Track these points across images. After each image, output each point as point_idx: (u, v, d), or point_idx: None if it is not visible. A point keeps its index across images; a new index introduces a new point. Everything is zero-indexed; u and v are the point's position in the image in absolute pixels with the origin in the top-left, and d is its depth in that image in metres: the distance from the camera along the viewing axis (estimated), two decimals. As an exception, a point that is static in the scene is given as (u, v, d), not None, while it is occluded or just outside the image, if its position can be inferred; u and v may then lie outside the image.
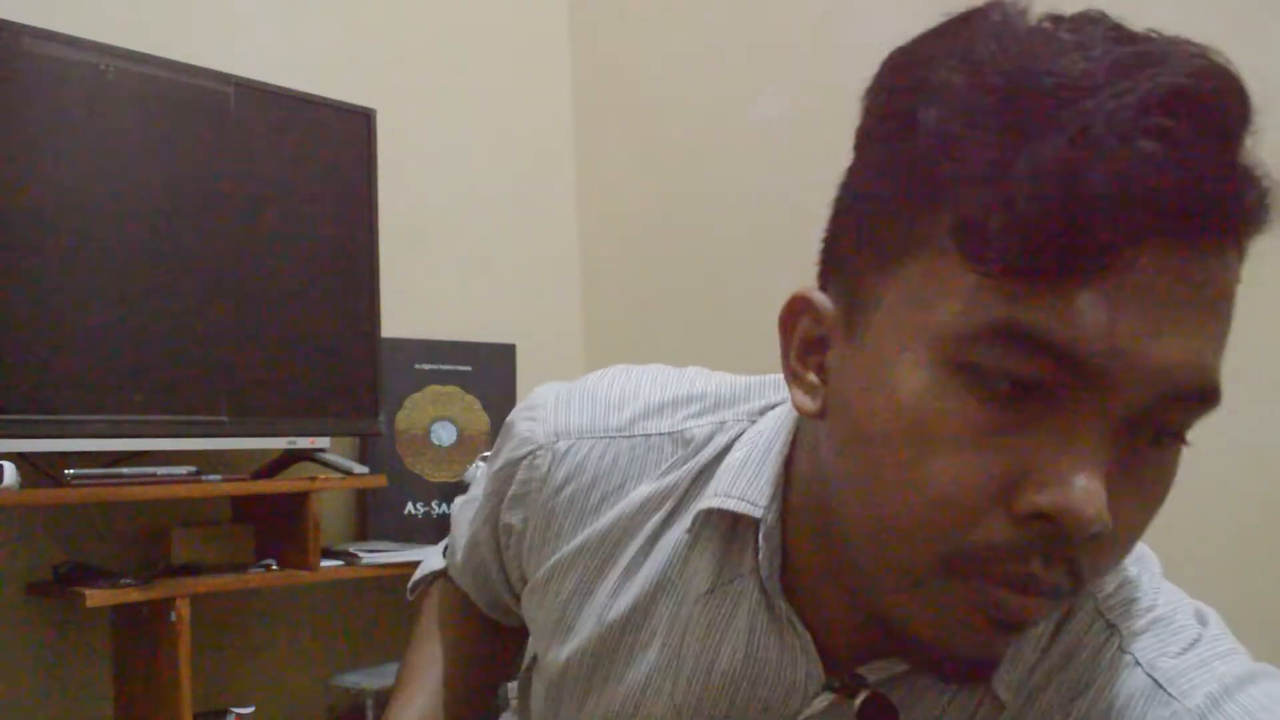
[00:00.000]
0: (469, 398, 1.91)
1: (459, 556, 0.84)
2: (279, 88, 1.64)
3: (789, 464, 0.60)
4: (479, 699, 0.86)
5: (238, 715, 1.51)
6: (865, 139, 0.52)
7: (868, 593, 0.53)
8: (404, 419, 1.85)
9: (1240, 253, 0.49)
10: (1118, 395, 0.44)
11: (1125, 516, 0.47)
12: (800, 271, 1.67)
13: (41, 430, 1.36)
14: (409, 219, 1.92)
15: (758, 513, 0.60)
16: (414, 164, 1.94)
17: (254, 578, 1.54)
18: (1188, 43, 0.47)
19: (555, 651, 0.70)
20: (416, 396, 1.87)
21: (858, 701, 0.58)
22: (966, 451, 0.46)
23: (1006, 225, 0.42)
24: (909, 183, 0.47)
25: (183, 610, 1.40)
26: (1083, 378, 0.44)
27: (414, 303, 1.92)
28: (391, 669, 1.70)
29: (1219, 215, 0.44)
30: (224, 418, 1.54)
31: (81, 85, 1.43)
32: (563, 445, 0.69)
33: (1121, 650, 0.58)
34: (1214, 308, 0.47)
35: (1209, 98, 0.44)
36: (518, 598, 0.76)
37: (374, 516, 1.84)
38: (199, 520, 1.64)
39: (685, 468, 0.65)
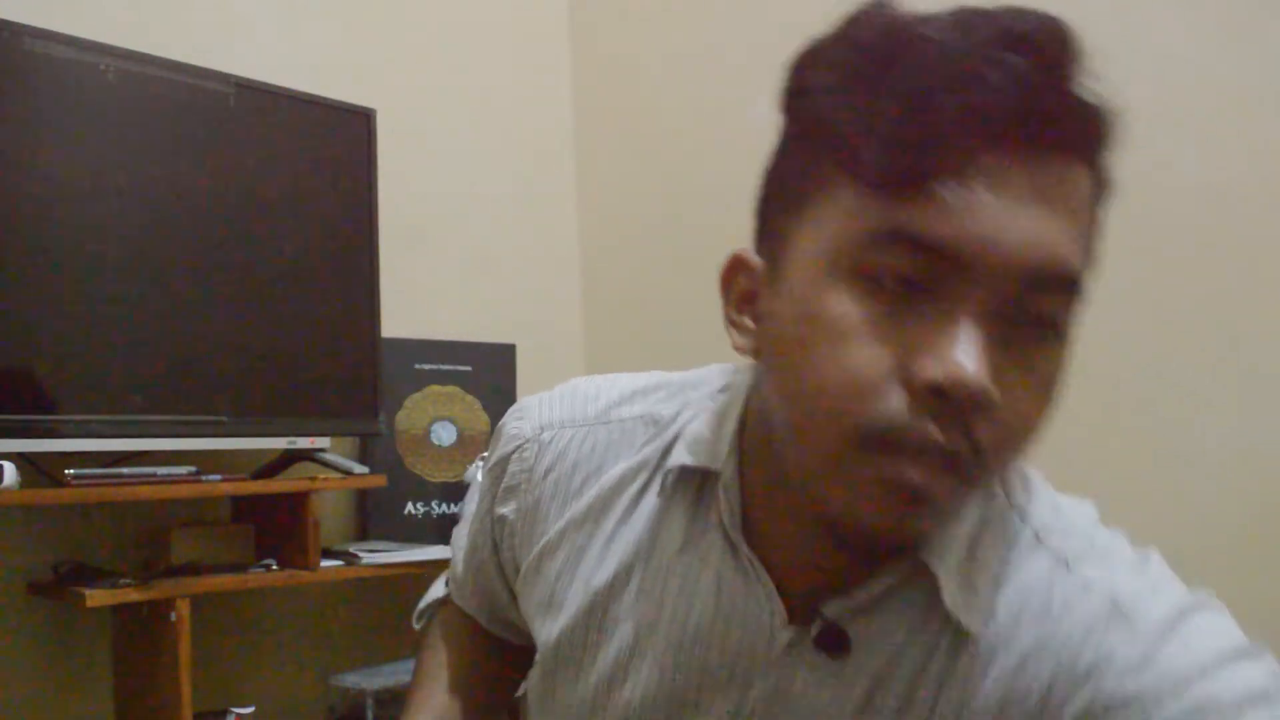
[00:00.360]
0: (469, 398, 1.91)
1: (459, 569, 0.87)
2: (279, 88, 1.64)
3: (744, 424, 0.68)
4: (487, 716, 0.88)
5: (238, 715, 1.51)
6: (779, 119, 0.62)
7: (805, 495, 0.60)
8: (404, 419, 1.85)
9: (1092, 170, 0.59)
10: (987, 283, 0.53)
11: (1015, 400, 0.55)
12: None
13: (41, 430, 1.36)
14: (409, 219, 1.92)
15: (717, 465, 0.67)
16: (414, 164, 1.94)
17: (254, 578, 1.54)
18: (1028, 7, 0.56)
19: (548, 630, 0.74)
20: (416, 396, 1.87)
21: (814, 631, 0.64)
22: (866, 341, 0.54)
23: (878, 144, 0.53)
24: (806, 136, 0.59)
25: (183, 610, 1.40)
26: (955, 269, 0.53)
27: (414, 303, 1.92)
28: (391, 669, 1.71)
29: (1053, 126, 0.54)
30: (224, 418, 1.54)
31: (81, 85, 1.43)
32: (547, 436, 0.76)
33: (1075, 577, 0.64)
34: (1065, 207, 0.55)
35: (1038, 37, 0.53)
36: (516, 598, 0.80)
37: (374, 516, 1.84)
38: (199, 520, 1.64)
39: (656, 443, 0.72)
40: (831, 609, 0.63)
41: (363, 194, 1.72)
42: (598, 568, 0.72)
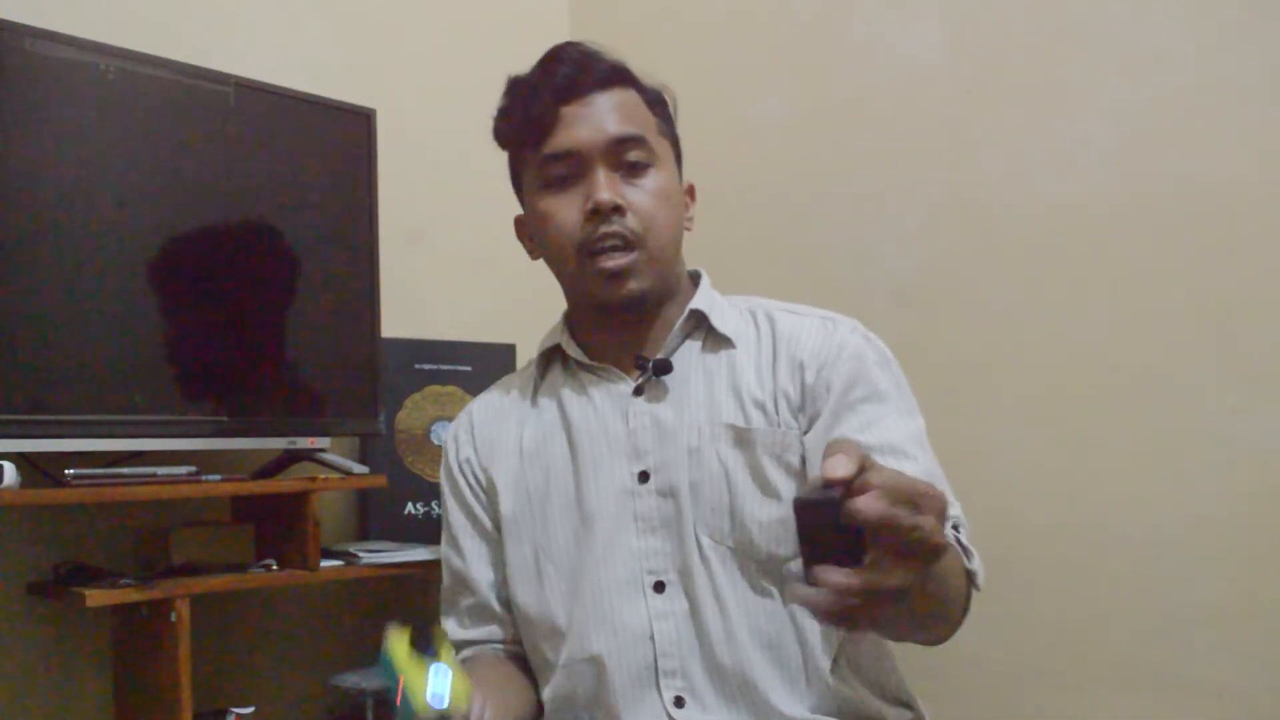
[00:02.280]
0: (469, 398, 1.90)
1: (446, 582, 1.27)
2: (279, 88, 1.64)
3: (569, 313, 1.25)
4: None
5: (238, 715, 1.51)
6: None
7: (588, 306, 1.19)
8: (404, 419, 1.85)
9: (631, 88, 1.18)
10: (596, 154, 1.12)
11: (640, 202, 1.13)
12: (800, 270, 1.69)
13: (41, 430, 1.36)
14: (409, 219, 1.91)
15: (556, 340, 1.23)
16: (414, 164, 1.94)
17: (254, 578, 1.54)
18: (572, 43, 1.19)
19: (506, 506, 1.20)
20: (416, 396, 1.87)
21: (649, 369, 1.14)
22: (560, 210, 1.14)
23: (523, 130, 1.17)
24: (508, 135, 1.21)
25: (183, 610, 1.40)
26: (577, 158, 1.13)
27: (414, 303, 1.92)
28: (391, 669, 1.71)
29: (585, 82, 1.14)
30: (224, 418, 1.54)
31: (81, 85, 1.43)
32: (470, 405, 1.32)
33: (789, 312, 1.21)
34: (615, 109, 1.14)
35: (569, 53, 1.15)
36: (496, 544, 1.22)
37: (374, 516, 1.84)
38: (199, 520, 1.64)
39: (527, 373, 1.28)
40: (655, 356, 1.16)
41: (363, 194, 1.72)
42: (526, 444, 1.20)
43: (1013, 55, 1.67)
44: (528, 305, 2.19)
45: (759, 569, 1.07)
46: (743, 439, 1.10)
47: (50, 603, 1.51)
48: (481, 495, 1.23)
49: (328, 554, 1.63)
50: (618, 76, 1.16)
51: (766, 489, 1.08)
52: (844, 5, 1.88)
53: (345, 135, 1.71)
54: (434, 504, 1.86)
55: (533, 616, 1.16)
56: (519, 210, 1.24)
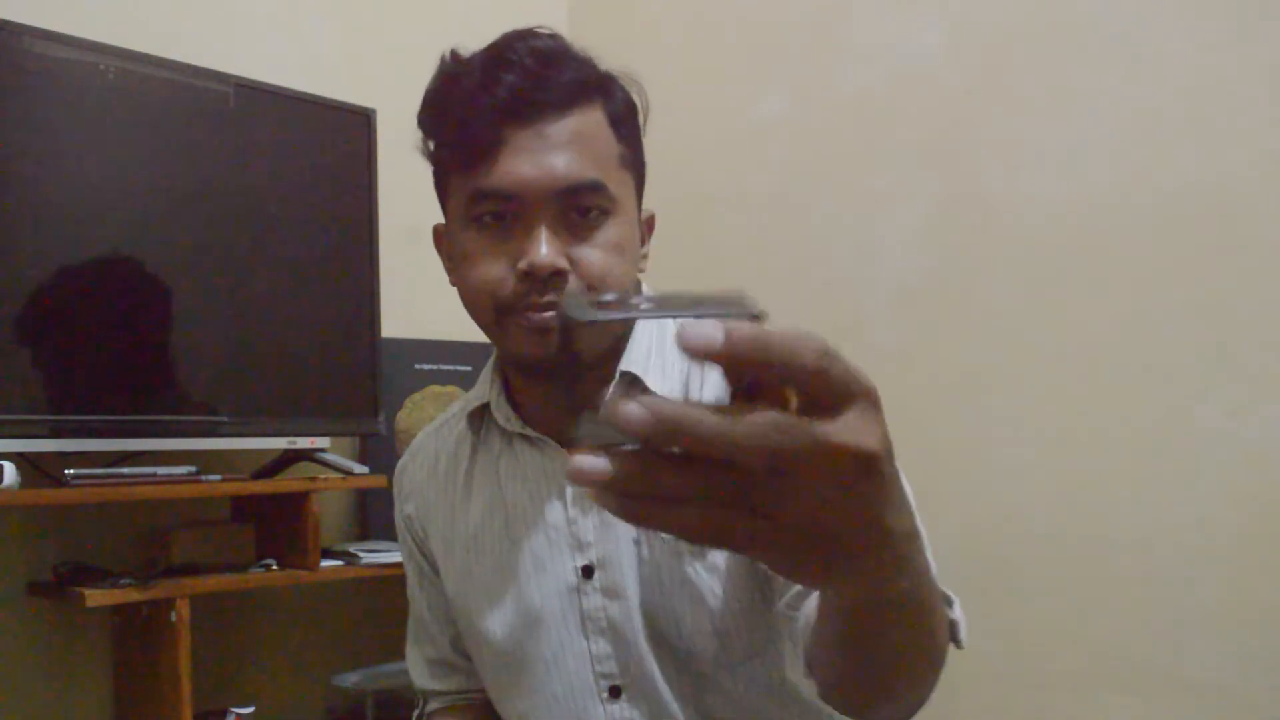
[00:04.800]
0: (469, 398, 1.91)
1: (411, 622, 1.14)
2: (279, 88, 1.64)
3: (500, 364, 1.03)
4: None
5: (238, 715, 1.51)
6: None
7: (507, 359, 0.99)
8: (404, 419, 1.85)
9: (599, 105, 0.92)
10: (539, 202, 0.87)
11: (587, 257, 0.88)
12: (800, 271, 1.68)
13: (41, 430, 1.36)
14: (409, 219, 1.91)
15: (484, 397, 1.01)
16: (414, 164, 1.94)
17: (254, 578, 1.54)
18: (522, 30, 0.95)
19: (449, 586, 1.04)
20: (416, 396, 1.87)
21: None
22: (487, 258, 0.90)
23: (452, 148, 0.94)
24: (431, 152, 1.01)
25: (183, 610, 1.40)
26: (518, 202, 0.87)
27: (414, 303, 1.91)
28: (391, 669, 1.71)
29: (535, 102, 0.88)
30: (224, 418, 1.54)
31: (81, 85, 1.43)
32: (412, 453, 1.12)
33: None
34: (570, 140, 0.88)
35: (518, 55, 0.90)
36: (446, 600, 1.06)
37: (374, 516, 1.84)
38: (199, 520, 1.64)
39: (463, 419, 1.05)
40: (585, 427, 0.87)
41: (363, 194, 1.72)
42: (462, 520, 1.02)
43: (1013, 55, 1.66)
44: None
45: (716, 670, 0.94)
46: (664, 541, 0.93)
47: (50, 603, 1.51)
48: (428, 556, 1.09)
49: (328, 554, 1.63)
50: (580, 91, 0.90)
51: (693, 597, 0.92)
52: (844, 5, 1.88)
53: (345, 135, 1.71)
54: (434, 504, 1.86)
55: (490, 686, 1.06)
56: (440, 234, 1.03)
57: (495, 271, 0.89)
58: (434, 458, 1.07)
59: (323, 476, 1.61)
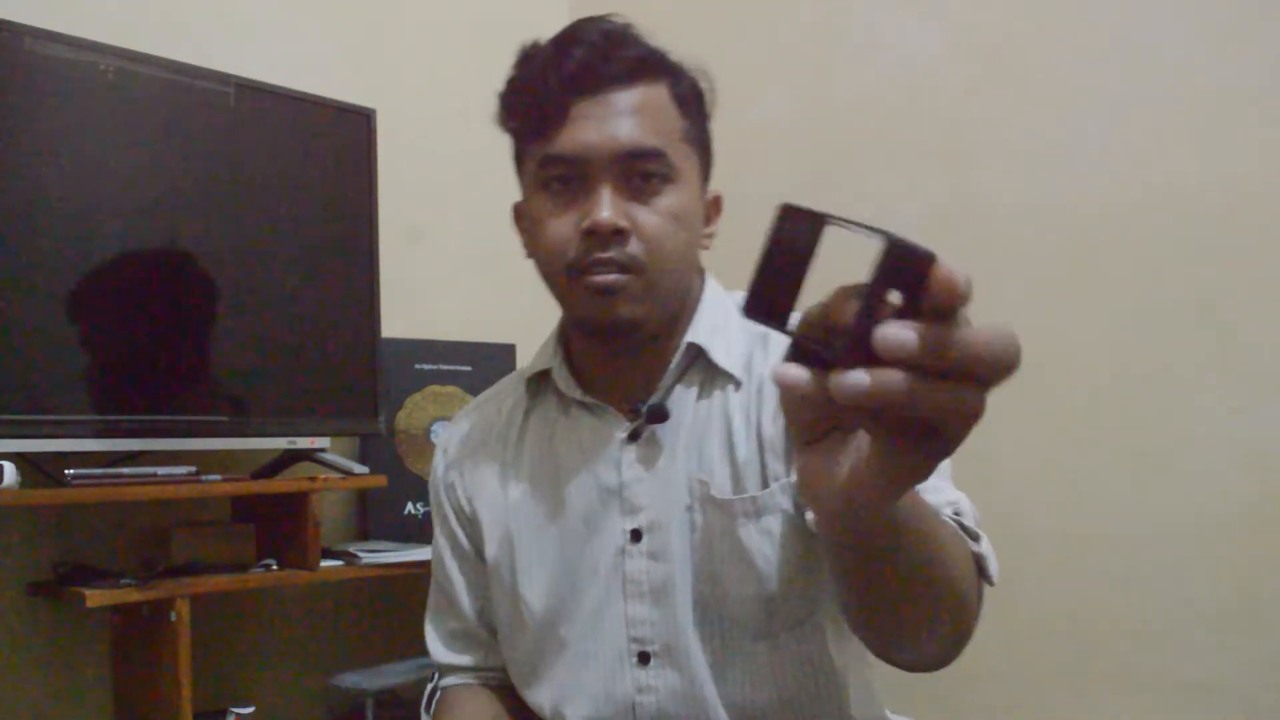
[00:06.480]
0: (469, 398, 1.90)
1: (433, 594, 1.15)
2: (279, 88, 1.64)
3: (564, 330, 1.08)
4: None
5: (238, 715, 1.51)
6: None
7: (573, 322, 1.03)
8: (404, 419, 1.85)
9: (663, 84, 0.99)
10: (602, 165, 0.94)
11: (644, 220, 0.94)
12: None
13: (41, 430, 1.36)
14: (409, 219, 1.91)
15: (548, 362, 1.06)
16: (414, 164, 1.94)
17: (254, 578, 1.54)
18: (594, 17, 1.00)
19: (490, 551, 1.07)
20: (416, 396, 1.87)
21: (644, 414, 0.99)
22: (554, 221, 0.96)
23: (523, 114, 0.99)
24: (509, 119, 1.02)
25: (183, 610, 1.40)
26: (583, 165, 0.94)
27: (414, 303, 1.92)
28: (392, 669, 1.71)
29: (602, 78, 0.95)
30: (224, 418, 1.54)
31: (81, 85, 1.43)
32: (455, 422, 1.17)
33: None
34: (634, 111, 0.95)
35: (586, 34, 0.97)
36: (480, 571, 1.09)
37: (374, 516, 1.84)
38: (199, 520, 1.64)
39: (520, 386, 1.11)
40: (650, 400, 1.00)
41: (363, 194, 1.72)
42: (512, 483, 1.06)
43: (1013, 55, 1.67)
44: (528, 305, 2.18)
45: (753, 642, 0.97)
46: (719, 507, 0.96)
47: (50, 603, 1.51)
48: (466, 524, 1.11)
49: (328, 554, 1.63)
50: (644, 68, 0.98)
51: (744, 561, 0.95)
52: (844, 5, 1.88)
53: (345, 135, 1.71)
54: (434, 504, 1.86)
55: (514, 662, 1.07)
56: (520, 210, 1.08)
57: (562, 233, 0.95)
58: (484, 425, 1.12)
59: (323, 476, 1.61)
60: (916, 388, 0.43)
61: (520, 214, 1.05)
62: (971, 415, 0.45)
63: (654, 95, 0.98)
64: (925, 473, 0.48)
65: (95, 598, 1.36)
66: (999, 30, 1.68)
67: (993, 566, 0.84)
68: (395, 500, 1.83)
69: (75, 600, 1.37)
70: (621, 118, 0.95)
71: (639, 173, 0.94)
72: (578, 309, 0.98)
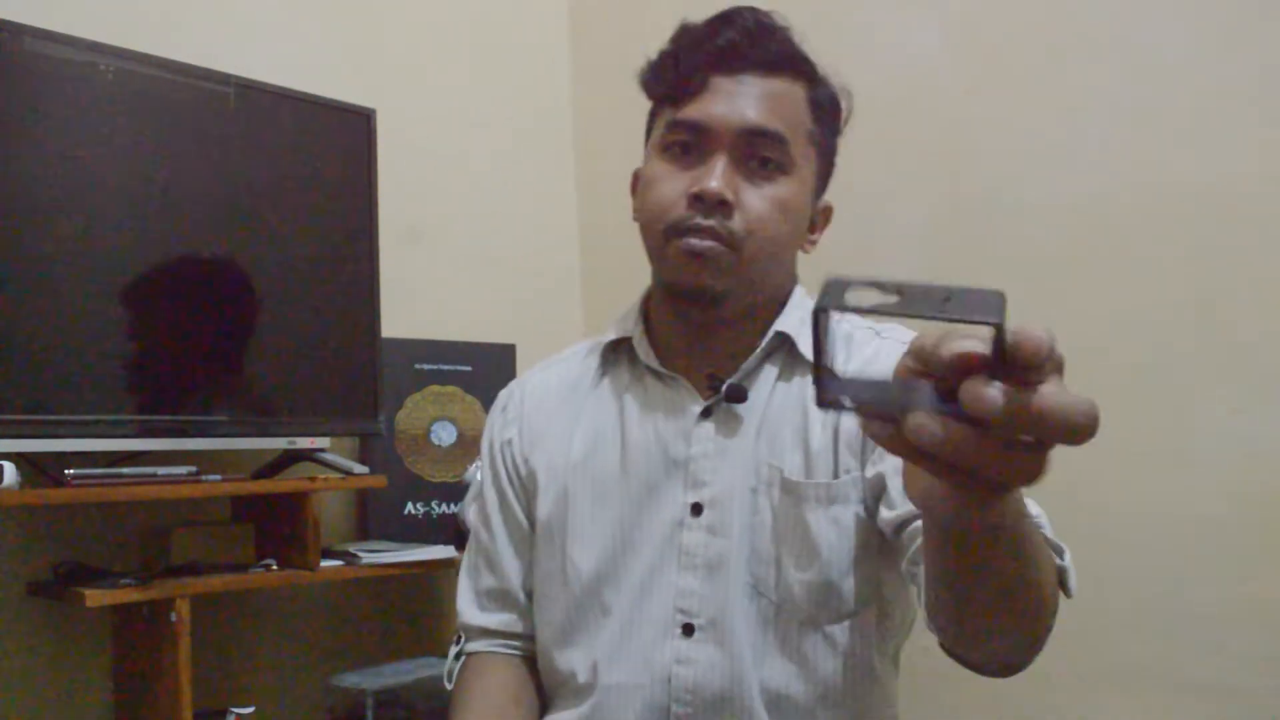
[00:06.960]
0: (469, 398, 1.90)
1: (470, 553, 1.16)
2: (279, 88, 1.64)
3: (648, 302, 1.11)
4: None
5: (238, 715, 1.51)
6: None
7: (661, 283, 1.05)
8: (404, 419, 1.85)
9: (795, 80, 1.03)
10: (723, 138, 0.98)
11: (751, 200, 0.98)
12: (799, 269, 1.67)
13: (41, 430, 1.36)
14: (409, 219, 1.91)
15: (627, 331, 1.09)
16: (414, 164, 1.94)
17: (254, 578, 1.54)
18: (746, 5, 1.05)
19: (543, 510, 1.09)
20: (416, 396, 1.87)
21: (722, 392, 1.01)
22: (666, 182, 1.00)
23: (664, 79, 1.03)
24: (652, 83, 1.06)
25: (183, 610, 1.40)
26: (705, 134, 0.99)
27: (414, 303, 1.92)
28: (392, 669, 1.71)
29: (745, 61, 1.00)
30: (224, 418, 1.54)
31: (81, 85, 1.43)
32: (522, 381, 1.19)
33: (883, 339, 1.05)
34: (764, 97, 1.00)
35: (739, 19, 1.01)
36: (529, 532, 1.11)
37: (374, 516, 1.84)
38: (199, 520, 1.64)
39: (596, 351, 1.13)
40: (731, 378, 1.02)
41: (363, 194, 1.72)
42: (576, 443, 1.08)
43: (1013, 55, 1.66)
44: (528, 305, 2.20)
45: (799, 630, 0.98)
46: (791, 490, 0.98)
47: (50, 603, 1.51)
48: (518, 483, 1.12)
49: (328, 554, 1.63)
50: (787, 64, 1.03)
51: (806, 546, 0.97)
52: (844, 5, 1.88)
53: (345, 135, 1.71)
54: (434, 503, 1.86)
55: (550, 625, 1.07)
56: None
57: (671, 194, 0.99)
58: (551, 385, 1.14)
59: (323, 476, 1.61)
60: (985, 447, 0.47)
61: (636, 178, 1.09)
62: (1031, 478, 0.50)
63: (790, 90, 1.02)
64: (983, 505, 0.53)
65: (95, 598, 1.36)
66: (999, 30, 1.68)
67: (1073, 580, 0.89)
68: (395, 500, 1.83)
69: (75, 600, 1.37)
70: (753, 99, 0.99)
71: (757, 155, 0.99)
72: (667, 270, 1.01)
